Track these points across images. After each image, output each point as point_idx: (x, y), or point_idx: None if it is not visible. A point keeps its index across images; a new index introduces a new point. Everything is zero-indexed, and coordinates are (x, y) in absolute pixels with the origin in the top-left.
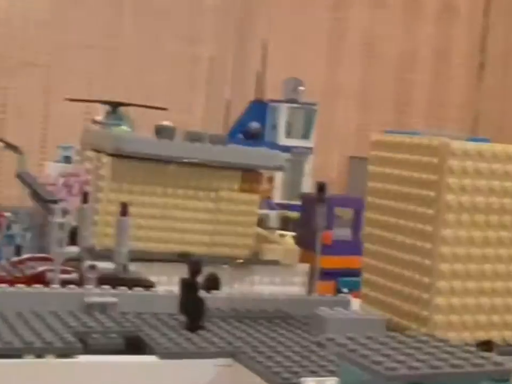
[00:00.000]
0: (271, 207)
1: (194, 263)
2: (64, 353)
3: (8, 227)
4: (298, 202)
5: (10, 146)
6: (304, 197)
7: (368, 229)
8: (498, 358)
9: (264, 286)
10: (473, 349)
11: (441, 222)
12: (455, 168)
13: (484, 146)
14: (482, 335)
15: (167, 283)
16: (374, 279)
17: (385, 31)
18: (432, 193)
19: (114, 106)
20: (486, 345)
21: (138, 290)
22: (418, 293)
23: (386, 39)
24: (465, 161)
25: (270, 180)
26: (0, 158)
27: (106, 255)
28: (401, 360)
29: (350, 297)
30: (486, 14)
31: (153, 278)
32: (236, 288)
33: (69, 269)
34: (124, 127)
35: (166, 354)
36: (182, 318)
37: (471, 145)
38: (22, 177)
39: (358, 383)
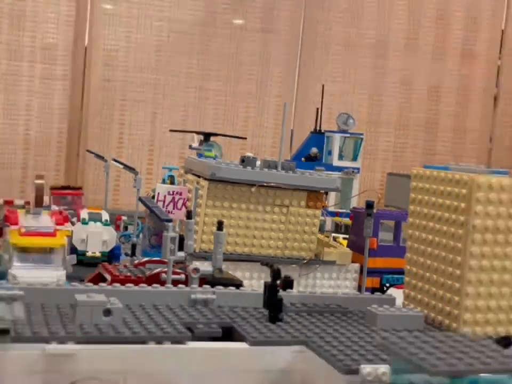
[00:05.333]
0: (327, 215)
1: (275, 271)
2: (177, 340)
3: (125, 228)
4: (347, 211)
5: (128, 167)
6: (356, 211)
7: (410, 243)
8: None
9: (323, 281)
10: (499, 349)
11: (469, 240)
12: (481, 198)
13: (505, 179)
14: (502, 330)
15: (249, 278)
16: (415, 282)
17: (418, 72)
18: (462, 218)
19: (207, 135)
20: (506, 339)
21: (232, 289)
22: (450, 296)
23: (418, 78)
24: (489, 193)
25: (326, 192)
26: (119, 176)
27: (203, 256)
28: (442, 357)
29: (394, 297)
30: (500, 58)
31: (238, 274)
32: (302, 282)
33: (179, 271)
34: (214, 152)
35: (253, 342)
36: (265, 311)
37: (494, 180)
38: (142, 200)
39: (405, 371)
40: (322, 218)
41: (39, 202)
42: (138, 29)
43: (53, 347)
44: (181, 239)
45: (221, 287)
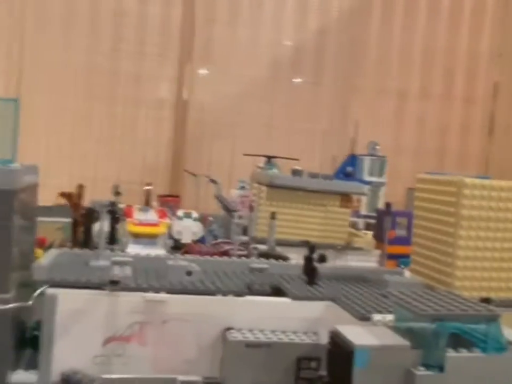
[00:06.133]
0: (359, 216)
1: (312, 247)
2: (238, 294)
3: (210, 225)
4: (375, 214)
5: (212, 180)
6: (379, 211)
7: (416, 231)
8: (492, 308)
9: (353, 263)
10: (476, 301)
11: (459, 226)
12: (467, 194)
13: (485, 181)
14: (484, 295)
15: (296, 258)
16: (418, 259)
17: (430, 112)
18: (452, 209)
19: (269, 158)
20: (485, 300)
21: (280, 261)
22: (444, 268)
23: (430, 117)
24: (474, 191)
25: (359, 200)
26: (206, 187)
27: (262, 241)
28: (430, 305)
29: (404, 270)
30: (494, 100)
31: (288, 255)
32: (336, 262)
33: (242, 248)
34: (274, 170)
35: (295, 297)
36: (304, 277)
37: (477, 181)
38: (218, 197)
39: (404, 319)
40: (355, 219)
41: (147, 202)
42: (223, 85)
43: (150, 295)
44: (245, 228)
45: (272, 260)
